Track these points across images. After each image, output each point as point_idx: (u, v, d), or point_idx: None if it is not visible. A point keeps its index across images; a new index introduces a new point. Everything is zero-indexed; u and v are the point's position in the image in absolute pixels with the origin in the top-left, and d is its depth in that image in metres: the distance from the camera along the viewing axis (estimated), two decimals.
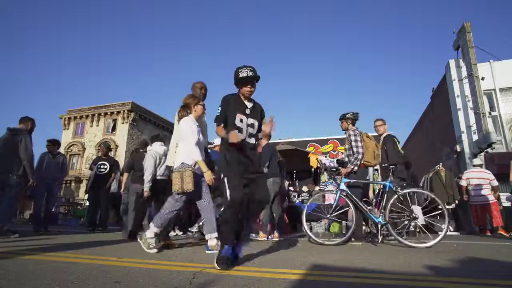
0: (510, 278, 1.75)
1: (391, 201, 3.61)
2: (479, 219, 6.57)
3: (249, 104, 2.36)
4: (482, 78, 10.82)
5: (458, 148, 11.76)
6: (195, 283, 1.58)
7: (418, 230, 3.68)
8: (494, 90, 11.38)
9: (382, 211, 3.66)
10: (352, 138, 4.17)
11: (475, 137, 11.06)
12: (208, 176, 2.92)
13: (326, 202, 6.24)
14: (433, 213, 3.99)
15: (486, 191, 6.46)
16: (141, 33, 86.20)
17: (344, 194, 3.81)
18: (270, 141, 5.14)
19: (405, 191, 3.64)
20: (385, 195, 3.74)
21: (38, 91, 73.70)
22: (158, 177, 4.26)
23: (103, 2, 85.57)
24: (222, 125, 2.32)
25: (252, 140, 2.37)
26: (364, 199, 3.96)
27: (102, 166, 6.51)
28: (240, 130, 2.27)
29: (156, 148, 4.34)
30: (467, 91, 11.52)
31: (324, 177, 8.45)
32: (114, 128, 29.50)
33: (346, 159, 4.31)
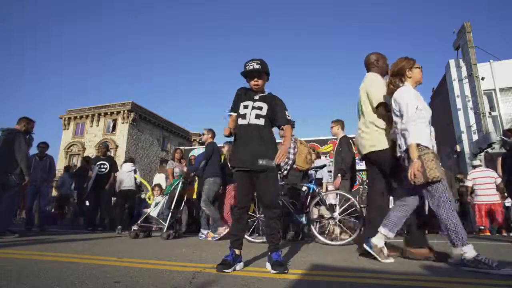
0: (510, 278, 1.75)
1: (314, 202, 3.94)
2: (482, 219, 6.51)
3: (259, 94, 2.29)
4: (482, 78, 10.82)
5: (458, 148, 11.77)
6: (195, 283, 1.58)
7: (332, 229, 4.05)
8: (494, 90, 11.38)
9: (305, 211, 3.93)
10: None
11: (475, 137, 11.07)
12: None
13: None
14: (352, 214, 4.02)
15: (493, 191, 6.38)
16: (141, 33, 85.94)
17: None
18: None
19: (325, 193, 4.00)
20: (309, 197, 4.00)
21: (38, 91, 73.76)
22: (124, 188, 6.05)
23: (103, 2, 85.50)
24: (234, 114, 2.32)
25: (260, 122, 2.20)
26: (291, 200, 4.24)
27: (102, 166, 6.52)
28: (243, 116, 2.22)
29: (123, 168, 6.35)
30: (467, 91, 11.53)
31: None
32: (114, 128, 29.46)
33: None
